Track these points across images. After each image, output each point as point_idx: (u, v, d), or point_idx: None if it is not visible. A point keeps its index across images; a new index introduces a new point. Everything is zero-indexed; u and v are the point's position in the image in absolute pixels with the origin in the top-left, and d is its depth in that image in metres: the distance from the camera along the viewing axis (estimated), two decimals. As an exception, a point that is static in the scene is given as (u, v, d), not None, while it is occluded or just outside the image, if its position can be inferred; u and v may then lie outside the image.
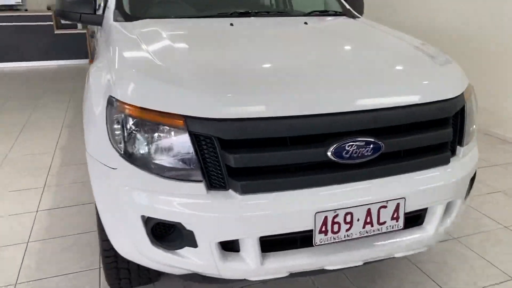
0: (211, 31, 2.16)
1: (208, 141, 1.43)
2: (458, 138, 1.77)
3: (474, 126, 1.94)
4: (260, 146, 1.46)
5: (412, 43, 2.12)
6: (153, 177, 1.47)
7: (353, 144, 1.50)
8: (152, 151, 1.46)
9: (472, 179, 1.90)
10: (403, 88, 1.64)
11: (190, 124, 1.41)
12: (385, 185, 1.58)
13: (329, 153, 1.48)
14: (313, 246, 1.52)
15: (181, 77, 1.54)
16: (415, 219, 1.76)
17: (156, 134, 1.45)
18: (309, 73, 1.65)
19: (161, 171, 1.46)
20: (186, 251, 1.52)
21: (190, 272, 1.61)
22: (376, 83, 1.63)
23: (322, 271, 1.69)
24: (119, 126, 1.50)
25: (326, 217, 1.50)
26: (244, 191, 1.45)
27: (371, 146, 1.52)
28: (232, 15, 2.43)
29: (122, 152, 1.49)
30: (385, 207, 1.57)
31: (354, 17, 2.69)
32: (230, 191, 1.46)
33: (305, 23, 2.33)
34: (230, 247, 1.54)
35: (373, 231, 1.58)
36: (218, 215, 1.44)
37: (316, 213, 1.48)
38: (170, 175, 1.46)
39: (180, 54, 1.80)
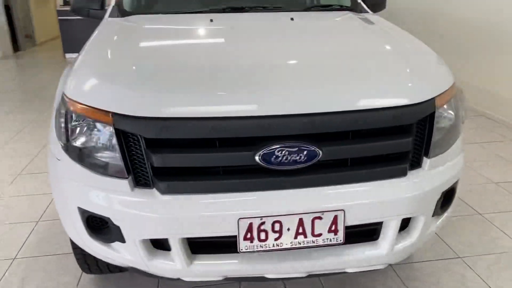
0: (187, 28, 2.16)
1: (134, 139, 1.44)
2: (424, 148, 1.60)
3: (459, 135, 1.74)
4: (185, 147, 1.44)
5: (399, 44, 1.92)
6: (86, 171, 1.51)
7: (283, 150, 1.41)
8: (85, 145, 1.50)
9: (449, 195, 1.71)
10: (348, 93, 1.51)
11: (116, 121, 1.43)
12: (321, 195, 1.47)
13: (256, 158, 1.41)
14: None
15: (119, 74, 1.57)
16: (370, 233, 1.63)
17: (88, 130, 1.49)
18: (254, 73, 1.58)
19: (92, 166, 1.50)
20: (117, 245, 1.55)
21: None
22: (319, 86, 1.52)
23: (262, 279, 1.63)
24: (62, 120, 1.56)
25: (251, 224, 1.44)
26: (165, 191, 1.44)
27: (305, 152, 1.42)
28: (225, 10, 2.40)
29: (63, 145, 1.56)
30: (320, 218, 1.47)
31: (361, 11, 2.52)
32: (154, 190, 1.46)
33: (291, 19, 2.23)
34: (162, 244, 1.55)
35: (308, 242, 1.49)
36: (140, 213, 1.45)
37: (240, 218, 1.43)
38: (99, 171, 1.49)
39: (138, 51, 1.81)
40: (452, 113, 1.68)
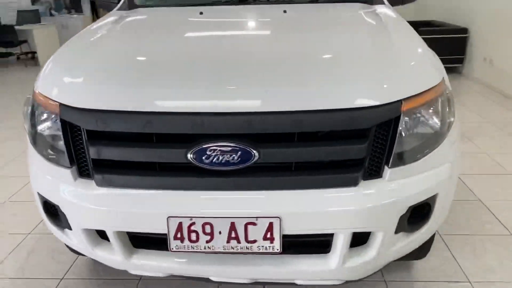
0: (170, 22, 2.14)
1: (77, 130, 1.47)
2: (386, 156, 1.42)
3: (440, 142, 1.53)
4: (124, 140, 1.44)
5: (381, 42, 1.71)
6: (41, 158, 1.58)
7: (215, 149, 1.35)
8: (38, 132, 1.56)
9: (422, 211, 1.51)
10: (291, 92, 1.38)
11: (62, 112, 1.46)
12: (256, 200, 1.38)
13: (189, 156, 1.36)
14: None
15: (73, 67, 1.59)
16: (323, 245, 1.50)
17: (41, 118, 1.55)
18: (195, 69, 1.51)
19: (43, 153, 1.56)
20: (67, 231, 1.61)
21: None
22: (259, 85, 1.41)
23: (208, 280, 1.58)
24: (29, 106, 1.64)
25: (181, 223, 1.40)
26: (100, 183, 1.45)
27: (239, 153, 1.34)
28: (227, 2, 2.35)
29: (26, 129, 1.64)
30: (254, 224, 1.38)
31: (373, 3, 2.31)
32: (93, 181, 1.48)
33: (284, 11, 2.10)
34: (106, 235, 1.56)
35: (242, 248, 1.41)
36: (79, 203, 1.47)
37: (169, 217, 1.39)
38: (49, 158, 1.55)
39: (106, 44, 1.82)
40: (430, 118, 1.48)
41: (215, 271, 1.51)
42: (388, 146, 1.42)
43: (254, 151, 1.34)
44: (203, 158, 1.36)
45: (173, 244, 1.43)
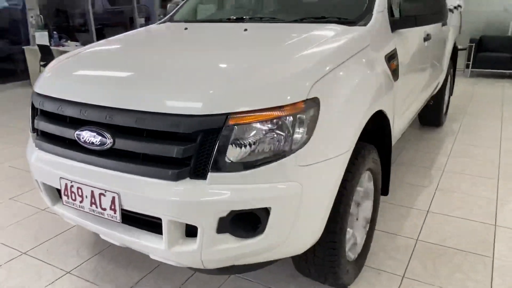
0: (166, 34, 2.59)
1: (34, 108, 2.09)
2: (211, 162, 1.60)
3: (273, 161, 1.61)
4: (47, 117, 1.98)
5: (265, 63, 1.83)
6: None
7: (86, 131, 1.77)
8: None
9: (252, 219, 1.63)
10: (141, 94, 1.69)
11: (33, 96, 2.10)
12: (107, 176, 1.75)
13: (74, 134, 1.82)
14: (62, 203, 1.94)
15: (61, 65, 2.18)
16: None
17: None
18: (119, 74, 1.90)
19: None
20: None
21: None
22: (128, 87, 1.76)
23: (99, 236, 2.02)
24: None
25: (66, 184, 1.87)
26: (36, 146, 2.03)
27: (99, 138, 1.74)
28: (229, 20, 2.69)
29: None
30: (103, 195, 1.76)
31: (350, 24, 2.30)
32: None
33: (245, 29, 2.31)
34: None
35: (98, 213, 1.80)
36: (29, 160, 2.10)
37: (60, 177, 1.88)
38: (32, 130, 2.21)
39: (109, 49, 2.38)
40: (265, 135, 1.59)
41: (96, 228, 1.92)
42: (214, 153, 1.59)
43: (110, 138, 1.72)
44: (80, 137, 1.79)
45: (64, 199, 1.91)
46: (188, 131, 1.59)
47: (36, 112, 2.08)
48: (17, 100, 7.15)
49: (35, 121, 2.03)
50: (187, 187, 1.61)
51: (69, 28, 9.76)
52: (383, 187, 2.51)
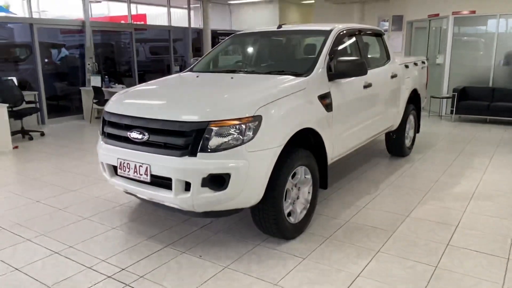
0: (183, 79, 4.11)
1: (105, 121, 3.57)
2: (199, 146, 2.99)
3: (233, 147, 2.97)
4: (113, 125, 3.45)
5: (238, 96, 3.27)
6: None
7: (134, 132, 3.22)
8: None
9: (219, 178, 2.97)
10: (161, 111, 3.15)
11: (104, 114, 3.59)
12: (144, 155, 3.17)
13: (128, 134, 3.26)
14: (117, 175, 3.36)
15: (120, 95, 3.69)
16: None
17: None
18: (150, 99, 3.41)
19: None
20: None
21: None
22: (158, 107, 3.21)
23: (136, 196, 3.42)
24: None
25: (120, 162, 3.30)
26: (103, 141, 3.50)
27: (141, 135, 3.18)
28: (225, 71, 4.19)
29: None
30: (141, 166, 3.17)
31: (298, 75, 3.70)
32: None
33: (231, 77, 3.77)
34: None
35: (138, 177, 3.20)
36: (99, 150, 3.56)
37: (117, 158, 3.32)
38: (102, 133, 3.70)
39: (147, 88, 3.90)
40: (229, 133, 2.96)
41: (135, 190, 3.32)
42: (201, 142, 2.98)
43: (147, 134, 3.14)
44: (131, 134, 3.23)
45: (119, 170, 3.33)
46: (188, 130, 2.99)
47: (104, 123, 3.56)
48: (72, 130, 8.85)
49: (104, 127, 3.50)
50: (186, 161, 3.00)
51: (116, 73, 11.63)
52: (322, 182, 3.80)
